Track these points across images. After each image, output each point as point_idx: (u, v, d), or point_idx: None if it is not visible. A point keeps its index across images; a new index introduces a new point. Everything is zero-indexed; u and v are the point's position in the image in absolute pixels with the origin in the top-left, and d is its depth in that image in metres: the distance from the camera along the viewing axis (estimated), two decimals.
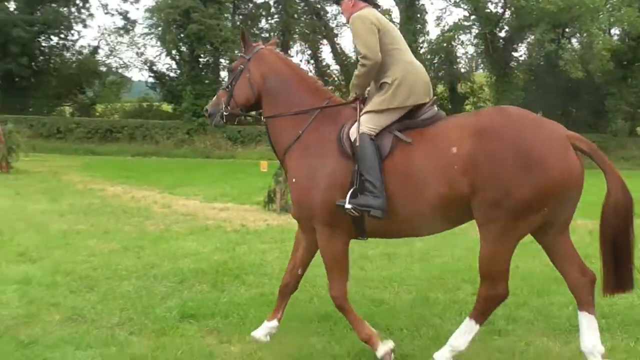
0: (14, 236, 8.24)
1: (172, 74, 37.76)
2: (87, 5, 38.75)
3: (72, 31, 38.47)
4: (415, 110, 4.15)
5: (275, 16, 38.87)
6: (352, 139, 4.03)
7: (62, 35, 37.95)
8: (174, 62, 37.67)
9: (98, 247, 7.73)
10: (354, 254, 5.69)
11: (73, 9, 38.16)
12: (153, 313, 4.98)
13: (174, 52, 35.85)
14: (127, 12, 40.18)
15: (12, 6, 36.09)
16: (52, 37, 37.40)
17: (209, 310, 5.03)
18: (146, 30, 36.62)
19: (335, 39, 40.11)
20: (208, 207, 11.87)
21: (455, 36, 35.90)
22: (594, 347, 3.77)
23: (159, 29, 34.17)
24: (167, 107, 38.27)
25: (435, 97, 4.37)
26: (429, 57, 36.11)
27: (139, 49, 39.16)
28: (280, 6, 38.02)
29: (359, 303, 5.36)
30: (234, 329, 4.69)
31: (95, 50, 39.84)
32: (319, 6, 39.24)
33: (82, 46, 39.82)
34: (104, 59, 40.06)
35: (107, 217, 10.25)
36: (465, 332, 3.93)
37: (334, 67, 40.79)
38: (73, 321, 4.81)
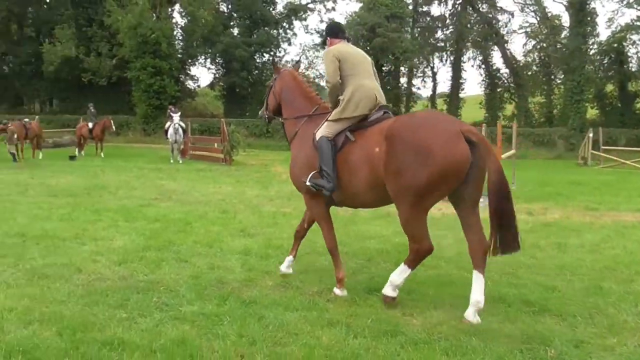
0: (236, 215, 8.90)
1: None
2: (292, 27, 40.86)
3: (280, 49, 40.87)
4: (368, 112, 4.83)
5: (450, 27, 37.91)
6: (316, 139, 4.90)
7: (272, 53, 40.38)
8: None
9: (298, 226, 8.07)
10: (525, 243, 5.43)
11: (281, 31, 40.42)
12: (345, 284, 5.08)
13: None
14: (323, 30, 41.70)
15: (235, 31, 39.13)
16: (264, 54, 39.94)
17: None
18: None
19: (506, 45, 38.16)
20: None
21: (627, 36, 32.39)
22: (478, 301, 4.26)
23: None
24: None
25: (381, 105, 4.88)
26: (598, 57, 32.98)
27: None
28: (454, 18, 37.01)
29: (531, 288, 5.04)
30: (415, 304, 4.63)
31: (297, 63, 41.65)
32: (491, 16, 37.56)
33: (287, 61, 42.01)
34: (303, 71, 41.86)
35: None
36: (401, 272, 4.58)
37: (504, 71, 38.89)
38: (282, 287, 5.07)
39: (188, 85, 43.67)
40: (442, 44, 38.42)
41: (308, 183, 4.89)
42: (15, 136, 19.10)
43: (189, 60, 41.19)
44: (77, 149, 22.92)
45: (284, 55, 42.43)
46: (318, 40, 41.68)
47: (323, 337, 3.86)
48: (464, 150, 4.15)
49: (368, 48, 32.81)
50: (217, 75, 43.05)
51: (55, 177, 14.21)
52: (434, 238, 4.55)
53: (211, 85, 44.86)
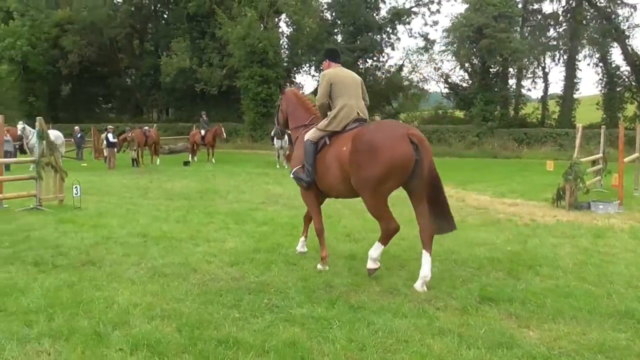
0: (340, 220, 8.94)
1: (464, 84, 37.60)
2: (395, 31, 40.59)
3: (383, 54, 40.74)
4: (346, 123, 5.69)
5: (564, 24, 35.83)
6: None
7: (375, 58, 40.39)
8: (466, 74, 37.45)
9: (405, 232, 7.85)
10: None
11: (384, 36, 40.29)
12: (456, 293, 4.91)
13: (466, 64, 35.57)
14: (427, 34, 41.01)
15: (339, 38, 39.54)
16: (367, 60, 40.03)
17: (506, 296, 4.78)
18: (443, 48, 37.10)
19: (627, 40, 35.38)
20: (498, 202, 11.42)
21: None
22: (426, 275, 5.09)
23: (455, 45, 34.16)
24: (459, 114, 38.11)
25: (358, 118, 5.72)
26: None
27: (436, 64, 39.84)
28: (568, 14, 34.94)
29: None
30: (531, 315, 4.37)
31: (400, 68, 41.51)
32: (610, 10, 34.99)
33: (390, 66, 41.90)
34: (407, 75, 41.52)
35: (410, 208, 10.41)
36: (376, 248, 5.47)
37: (624, 69, 36.03)
38: (390, 293, 4.99)
39: None
40: (555, 43, 36.33)
41: (291, 176, 6.19)
42: (136, 143, 20.59)
43: (294, 68, 42.19)
44: (190, 155, 24.21)
45: (387, 60, 42.32)
46: (422, 43, 41.18)
47: (434, 346, 3.75)
48: (408, 149, 5.06)
49: (474, 50, 31.90)
50: None
51: (171, 182, 15.08)
52: (548, 246, 4.30)
53: (315, 92, 45.64)
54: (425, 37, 40.76)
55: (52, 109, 43.00)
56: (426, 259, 5.14)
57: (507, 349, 3.71)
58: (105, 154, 21.03)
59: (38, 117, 10.68)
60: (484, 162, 25.59)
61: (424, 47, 40.60)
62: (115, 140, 20.90)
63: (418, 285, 5.07)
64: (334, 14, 40.39)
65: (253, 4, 33.61)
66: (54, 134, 15.95)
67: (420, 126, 35.63)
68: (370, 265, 5.46)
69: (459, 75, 38.75)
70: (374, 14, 39.54)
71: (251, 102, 34.78)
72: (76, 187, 10.22)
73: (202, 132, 24.06)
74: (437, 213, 5.27)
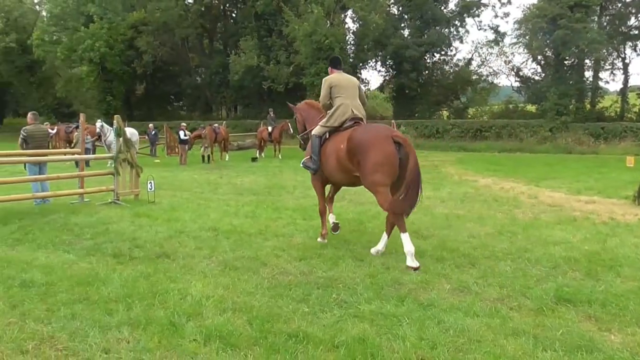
0: (410, 216, 8.82)
1: (536, 77, 36.21)
2: (464, 24, 39.59)
3: (451, 48, 39.84)
4: (343, 121, 6.62)
5: None
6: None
7: (442, 52, 39.56)
8: (538, 67, 36.05)
9: (475, 229, 7.76)
10: None
11: (452, 29, 39.40)
12: (530, 293, 4.75)
13: (539, 57, 34.24)
14: (497, 26, 39.82)
15: (405, 32, 39.04)
16: (435, 54, 39.28)
17: (584, 297, 4.57)
18: (514, 40, 35.91)
19: None
20: (573, 199, 10.94)
21: None
22: (410, 250, 5.76)
23: (527, 37, 32.97)
24: (531, 108, 36.72)
25: (354, 117, 6.62)
26: None
27: (507, 57, 38.59)
28: None
29: None
30: (613, 318, 4.17)
31: (469, 62, 40.45)
32: None
33: (458, 59, 40.92)
34: (476, 68, 40.43)
35: (480, 204, 10.26)
36: (405, 240, 5.90)
37: None
38: (460, 291, 4.89)
39: None
40: (637, 32, 34.36)
41: (301, 165, 7.13)
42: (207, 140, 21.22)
43: (360, 64, 42.02)
44: (257, 151, 24.62)
45: (455, 54, 41.40)
46: (492, 36, 39.95)
47: (508, 347, 3.63)
48: (391, 148, 5.98)
49: (548, 41, 30.65)
50: (386, 77, 43.36)
51: (240, 177, 15.40)
52: (629, 246, 4.05)
53: (381, 88, 45.32)
54: (495, 29, 39.46)
55: (127, 108, 44.91)
56: (406, 238, 5.89)
57: (587, 352, 3.55)
58: (178, 151, 21.78)
59: (116, 115, 11.16)
60: (558, 157, 24.59)
61: (493, 39, 39.30)
62: (187, 137, 21.59)
63: (409, 262, 5.72)
64: (400, 8, 39.85)
65: (319, 1, 33.74)
66: (130, 132, 16.64)
67: (489, 121, 34.71)
68: (412, 264, 5.71)
69: (530, 68, 37.34)
70: (442, 8, 38.68)
71: (317, 98, 34.77)
72: (150, 182, 10.62)
73: (269, 128, 24.42)
74: (406, 197, 5.97)
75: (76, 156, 12.12)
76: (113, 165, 10.79)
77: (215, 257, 6.12)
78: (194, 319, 4.16)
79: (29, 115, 11.23)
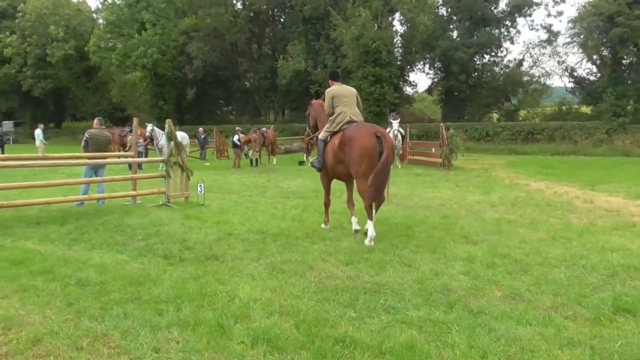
0: (457, 221, 8.67)
1: (591, 78, 35.00)
2: (515, 24, 38.73)
3: (502, 49, 39.03)
4: (342, 125, 7.56)
5: None
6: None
7: (492, 53, 38.80)
8: (594, 66, 34.83)
9: (527, 235, 7.54)
10: None
11: (503, 30, 38.59)
12: (586, 302, 4.56)
13: (595, 56, 33.09)
14: (550, 25, 38.67)
15: (454, 34, 38.50)
16: (484, 55, 38.57)
17: None
18: (568, 40, 34.88)
19: None
20: (632, 204, 10.49)
21: None
22: (372, 235, 6.92)
23: (582, 36, 31.96)
24: (585, 109, 35.53)
25: (351, 120, 7.57)
26: None
27: (560, 57, 37.51)
28: None
29: None
30: None
31: (520, 63, 39.55)
32: None
33: (509, 61, 40.04)
34: (527, 69, 39.48)
35: (532, 209, 9.98)
36: (370, 226, 7.01)
37: None
38: (512, 299, 4.75)
39: (407, 92, 44.27)
40: None
41: (309, 165, 8.70)
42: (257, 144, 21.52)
43: (408, 67, 41.70)
44: (305, 155, 24.74)
45: (505, 55, 40.51)
46: (544, 36, 38.90)
47: (563, 358, 3.51)
48: (373, 141, 7.00)
49: (604, 40, 29.60)
50: (435, 80, 42.85)
51: (287, 181, 15.51)
52: None
53: (429, 90, 44.83)
54: (548, 29, 38.43)
55: (178, 112, 46.03)
56: (371, 225, 7.02)
57: None
58: (227, 154, 22.13)
59: (167, 120, 11.43)
60: (615, 160, 23.69)
61: (546, 39, 38.30)
62: (240, 142, 21.90)
63: (367, 241, 6.89)
64: (449, 9, 39.34)
65: (367, 4, 33.68)
66: (181, 135, 17.01)
67: (541, 123, 33.77)
68: (370, 243, 6.88)
69: (585, 68, 36.10)
70: (492, 8, 37.96)
71: (364, 102, 34.73)
72: (200, 185, 10.81)
73: None
74: (375, 186, 6.86)
75: (129, 159, 12.46)
76: (164, 168, 11.04)
77: (263, 259, 6.16)
78: (242, 322, 4.19)
79: (95, 120, 11.71)
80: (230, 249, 6.72)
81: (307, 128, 9.10)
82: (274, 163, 22.77)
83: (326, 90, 8.08)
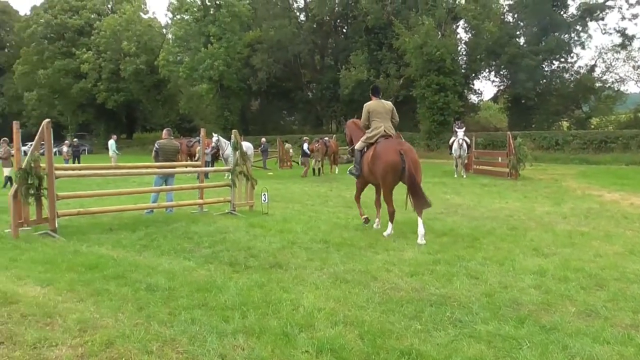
0: (526, 232, 8.37)
1: None
2: (586, 29, 37.27)
3: (572, 54, 37.64)
4: (377, 138, 8.54)
5: None
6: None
7: (562, 59, 37.46)
8: None
9: (602, 248, 7.18)
10: None
11: (573, 35, 37.22)
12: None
13: None
14: (624, 29, 36.95)
15: (521, 40, 37.48)
16: (553, 61, 37.30)
17: None
18: None
19: None
20: None
21: None
22: (422, 232, 7.72)
23: None
24: None
25: (384, 134, 8.53)
26: None
27: (636, 62, 35.76)
28: None
29: None
30: None
31: (592, 68, 37.96)
32: None
33: (579, 66, 38.57)
34: (600, 75, 37.82)
35: (607, 221, 9.50)
36: (390, 228, 8.28)
37: None
38: (587, 315, 4.52)
39: (471, 100, 43.43)
40: None
41: (347, 173, 9.63)
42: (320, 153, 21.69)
43: (472, 75, 40.92)
44: None
45: (576, 61, 39.06)
46: (618, 40, 37.19)
47: None
48: (397, 157, 7.88)
49: None
50: (501, 88, 41.81)
51: (350, 190, 15.46)
52: None
53: (494, 98, 43.79)
54: (622, 32, 36.73)
55: (243, 122, 47.05)
56: (421, 222, 7.80)
57: None
58: (300, 163, 22.36)
59: (233, 130, 11.68)
60: None
61: (620, 44, 36.60)
62: (309, 150, 22.11)
63: (420, 239, 7.64)
64: (515, 15, 38.37)
65: (430, 12, 33.36)
66: (246, 145, 17.34)
67: (615, 131, 32.24)
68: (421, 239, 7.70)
69: None
70: (562, 12, 36.70)
71: (427, 110, 34.51)
72: (264, 194, 10.97)
73: None
74: (415, 196, 7.84)
75: (197, 169, 12.81)
76: (230, 178, 11.27)
77: (326, 269, 6.15)
78: (306, 331, 4.19)
79: (164, 131, 12.16)
80: (293, 257, 6.76)
81: (348, 143, 10.12)
82: (336, 172, 22.82)
83: (364, 105, 8.96)
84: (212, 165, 20.24)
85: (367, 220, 9.22)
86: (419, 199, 7.74)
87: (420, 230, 7.67)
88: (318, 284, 5.48)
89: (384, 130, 8.53)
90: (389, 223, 8.24)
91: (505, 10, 38.71)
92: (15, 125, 8.71)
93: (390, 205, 8.16)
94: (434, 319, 4.43)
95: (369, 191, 9.73)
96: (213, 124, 44.71)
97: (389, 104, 8.97)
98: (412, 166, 7.75)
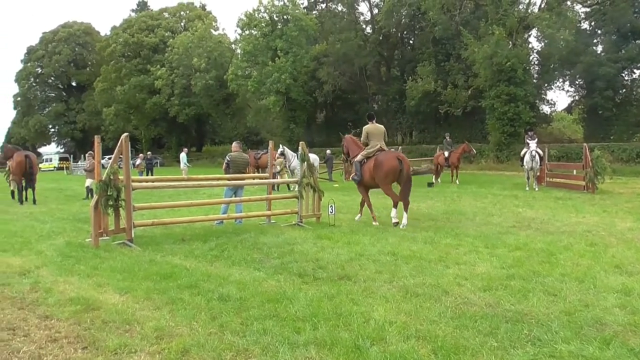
0: (606, 249, 7.95)
1: None
2: None
3: None
4: (374, 152, 10.96)
5: None
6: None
7: None
8: None
9: None
10: None
11: None
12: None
13: None
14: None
15: (598, 49, 35.99)
16: (634, 70, 35.53)
17: None
18: None
19: None
20: None
21: None
22: (404, 223, 10.33)
23: None
24: None
25: (381, 149, 11.00)
26: None
27: None
28: None
29: None
30: None
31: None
32: None
33: None
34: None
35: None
36: (405, 217, 10.46)
37: None
38: None
39: (543, 111, 42.03)
40: None
41: (350, 179, 11.77)
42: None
43: (545, 85, 39.62)
44: (434, 177, 24.29)
45: None
46: None
47: None
48: (396, 163, 10.44)
49: None
50: (576, 98, 40.23)
51: (416, 202, 15.27)
52: None
53: (568, 109, 42.17)
54: None
55: (308, 134, 47.52)
56: (405, 215, 10.47)
57: None
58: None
59: (301, 142, 11.83)
60: None
61: None
62: None
63: (397, 219, 10.50)
64: (592, 23, 36.88)
65: (501, 22, 32.59)
66: (312, 157, 17.48)
67: None
68: (405, 223, 10.37)
69: None
70: None
71: (497, 121, 33.63)
72: (331, 205, 11.01)
73: (446, 153, 23.99)
74: (404, 195, 10.59)
75: (265, 180, 13.03)
76: (297, 189, 11.39)
77: (395, 282, 6.08)
78: (378, 344, 4.14)
79: (234, 143, 12.51)
80: (362, 269, 6.73)
81: (345, 155, 12.42)
82: None
83: (363, 127, 11.38)
84: (276, 177, 20.52)
85: (375, 219, 11.06)
86: (406, 197, 10.58)
87: (404, 221, 10.37)
88: (388, 297, 5.42)
89: (380, 147, 10.99)
90: (404, 213, 10.51)
91: (581, 18, 37.30)
92: (97, 139, 9.18)
93: (394, 197, 10.64)
94: (511, 336, 4.27)
95: (358, 197, 12.42)
96: (279, 137, 45.41)
97: (381, 127, 11.41)
98: (407, 169, 10.59)
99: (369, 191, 11.51)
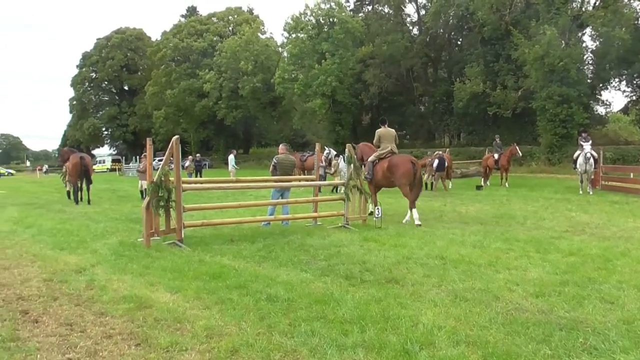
0: None
1: None
2: None
3: None
4: (385, 154, 11.97)
5: None
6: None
7: None
8: None
9: None
10: None
11: None
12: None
13: None
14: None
15: None
16: None
17: None
18: None
19: None
20: None
21: None
22: (419, 223, 10.92)
23: None
24: None
25: (391, 151, 11.97)
26: None
27: None
28: None
29: None
30: None
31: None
32: None
33: None
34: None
35: None
36: (416, 215, 11.25)
37: None
38: None
39: (598, 112, 40.64)
40: None
41: (363, 178, 11.67)
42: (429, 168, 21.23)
43: (600, 85, 38.31)
44: (483, 179, 23.84)
45: None
46: None
47: None
48: (410, 167, 11.34)
49: None
50: (633, 98, 38.73)
51: (465, 205, 15.04)
52: None
53: (625, 110, 40.64)
54: None
55: (354, 137, 47.37)
56: (415, 212, 11.17)
57: None
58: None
59: (348, 145, 11.83)
60: None
61: None
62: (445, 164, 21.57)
63: (416, 221, 10.97)
64: None
65: (553, 21, 31.69)
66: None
67: None
68: (418, 221, 11.01)
69: None
70: None
71: (548, 123, 32.69)
72: (378, 208, 10.96)
73: (496, 155, 23.51)
74: (416, 193, 11.42)
75: (311, 182, 13.08)
76: (344, 191, 11.39)
77: (444, 286, 5.99)
78: (427, 349, 4.09)
79: (281, 146, 12.64)
80: (409, 273, 6.66)
81: (359, 160, 12.61)
82: (450, 187, 22.25)
83: (376, 131, 12.24)
84: (325, 179, 20.57)
85: (373, 209, 11.83)
86: (416, 196, 11.44)
87: (416, 215, 11.10)
88: (437, 301, 5.35)
89: (391, 149, 11.95)
90: (413, 211, 11.30)
91: (638, 15, 35.88)
92: (149, 141, 9.43)
93: (410, 197, 11.37)
94: (565, 344, 4.14)
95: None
96: (325, 139, 45.51)
97: (392, 130, 12.36)
98: (418, 171, 11.57)
99: (377, 190, 12.33)
